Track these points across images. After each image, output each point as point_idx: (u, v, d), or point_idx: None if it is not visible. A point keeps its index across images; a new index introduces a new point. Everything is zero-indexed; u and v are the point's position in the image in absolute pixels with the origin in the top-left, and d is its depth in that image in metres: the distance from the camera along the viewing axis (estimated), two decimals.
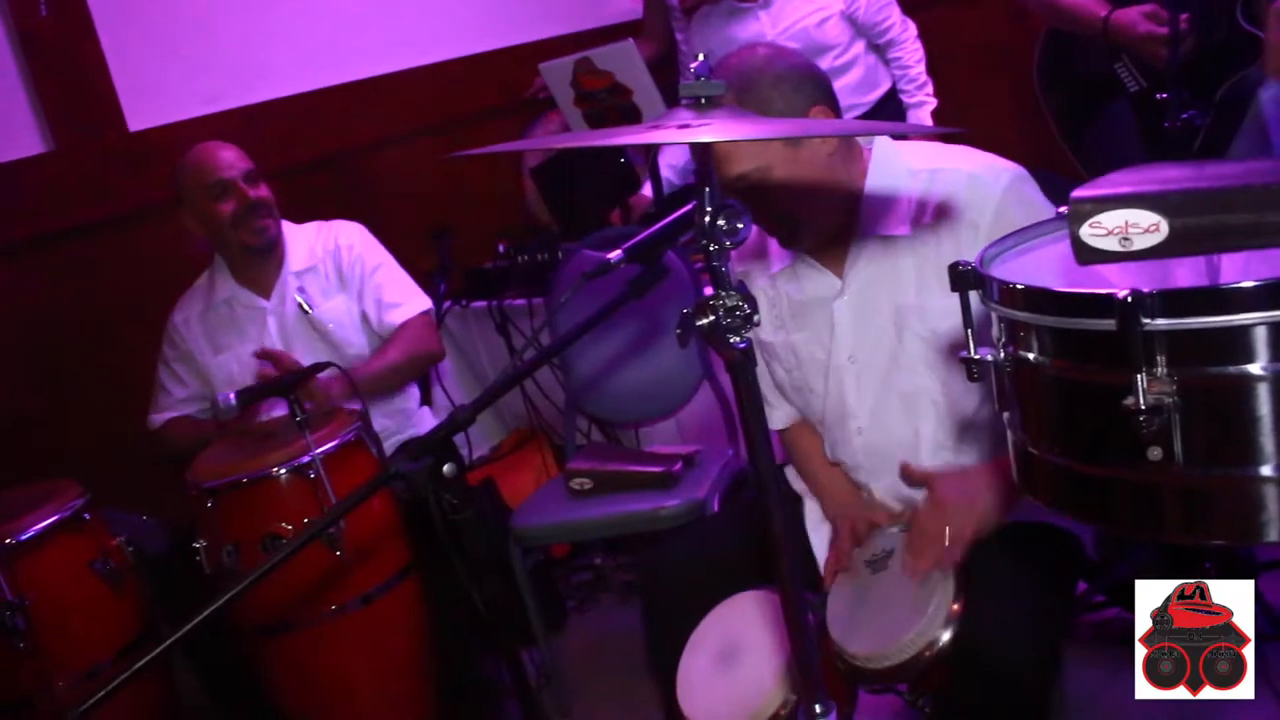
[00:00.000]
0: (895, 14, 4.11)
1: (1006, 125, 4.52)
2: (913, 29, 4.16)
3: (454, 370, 4.22)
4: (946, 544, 2.03)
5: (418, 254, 4.03)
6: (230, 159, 3.26)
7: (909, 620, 1.95)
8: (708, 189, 1.35)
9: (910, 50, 4.15)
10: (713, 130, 1.31)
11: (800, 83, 2.10)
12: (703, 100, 1.34)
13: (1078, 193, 1.08)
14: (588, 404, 3.70)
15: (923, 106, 4.19)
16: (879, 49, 4.16)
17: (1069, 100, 3.27)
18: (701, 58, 1.38)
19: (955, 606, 1.95)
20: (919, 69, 4.16)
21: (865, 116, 4.13)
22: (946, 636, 1.92)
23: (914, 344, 2.16)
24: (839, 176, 2.15)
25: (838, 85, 4.00)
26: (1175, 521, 1.13)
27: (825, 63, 3.96)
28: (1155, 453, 1.09)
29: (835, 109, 2.16)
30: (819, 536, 2.37)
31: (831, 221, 2.18)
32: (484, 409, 1.70)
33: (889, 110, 4.18)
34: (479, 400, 1.68)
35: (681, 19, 4.37)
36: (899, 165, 2.19)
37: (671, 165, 4.16)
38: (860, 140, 2.23)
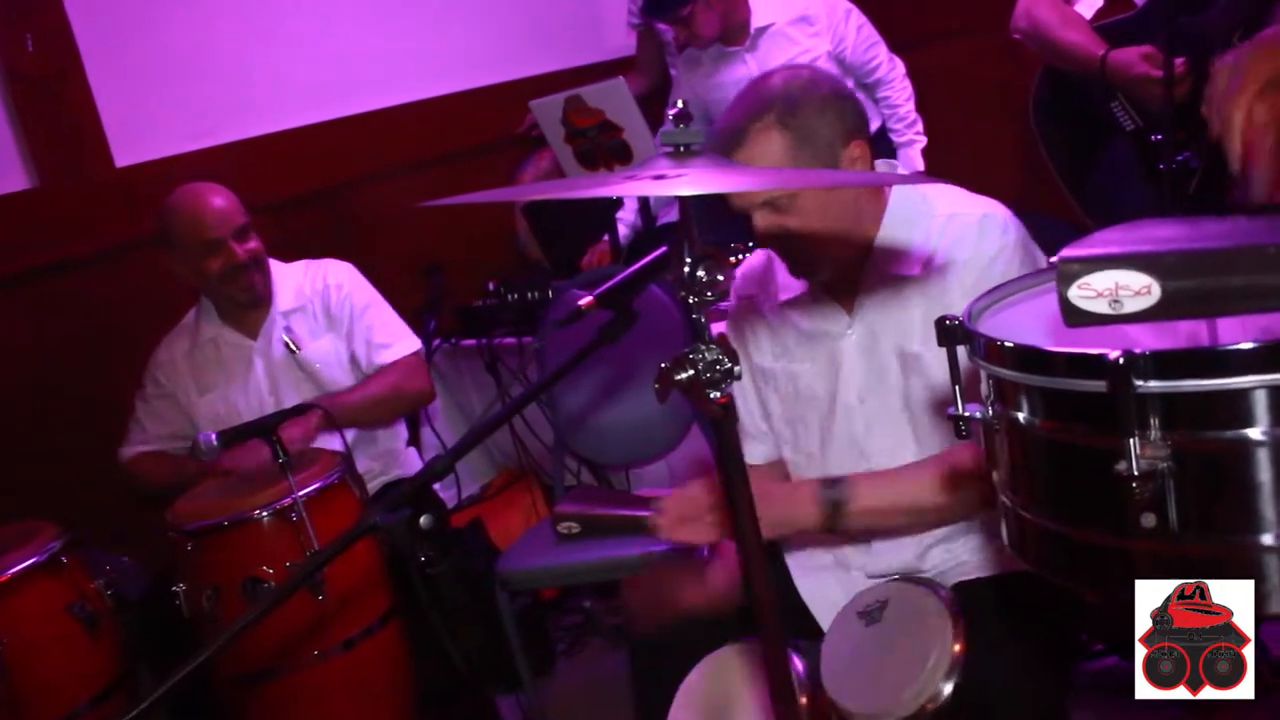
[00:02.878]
0: (883, 53, 4.12)
1: (1002, 165, 4.49)
2: (900, 67, 4.16)
3: (443, 409, 4.17)
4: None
5: (408, 291, 4.00)
6: (223, 213, 3.18)
7: (909, 674, 1.91)
8: (686, 241, 1.31)
9: (899, 89, 4.16)
10: (695, 180, 1.27)
11: (844, 111, 2.07)
12: (681, 149, 1.30)
13: (1066, 252, 1.03)
14: (577, 445, 3.65)
15: (913, 145, 4.19)
16: (867, 88, 4.16)
17: (1068, 139, 3.24)
18: (681, 104, 1.34)
19: (955, 656, 1.90)
20: (908, 107, 4.17)
21: None
22: (948, 689, 1.88)
23: (920, 392, 2.13)
24: (863, 212, 2.12)
25: None
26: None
27: None
28: (1149, 520, 1.05)
29: (870, 142, 2.13)
30: (809, 583, 2.32)
31: (849, 257, 2.15)
32: (461, 457, 1.66)
33: (879, 149, 4.15)
34: (456, 448, 1.65)
35: (677, 55, 4.36)
36: (918, 206, 2.15)
37: (634, 209, 4.18)
38: None
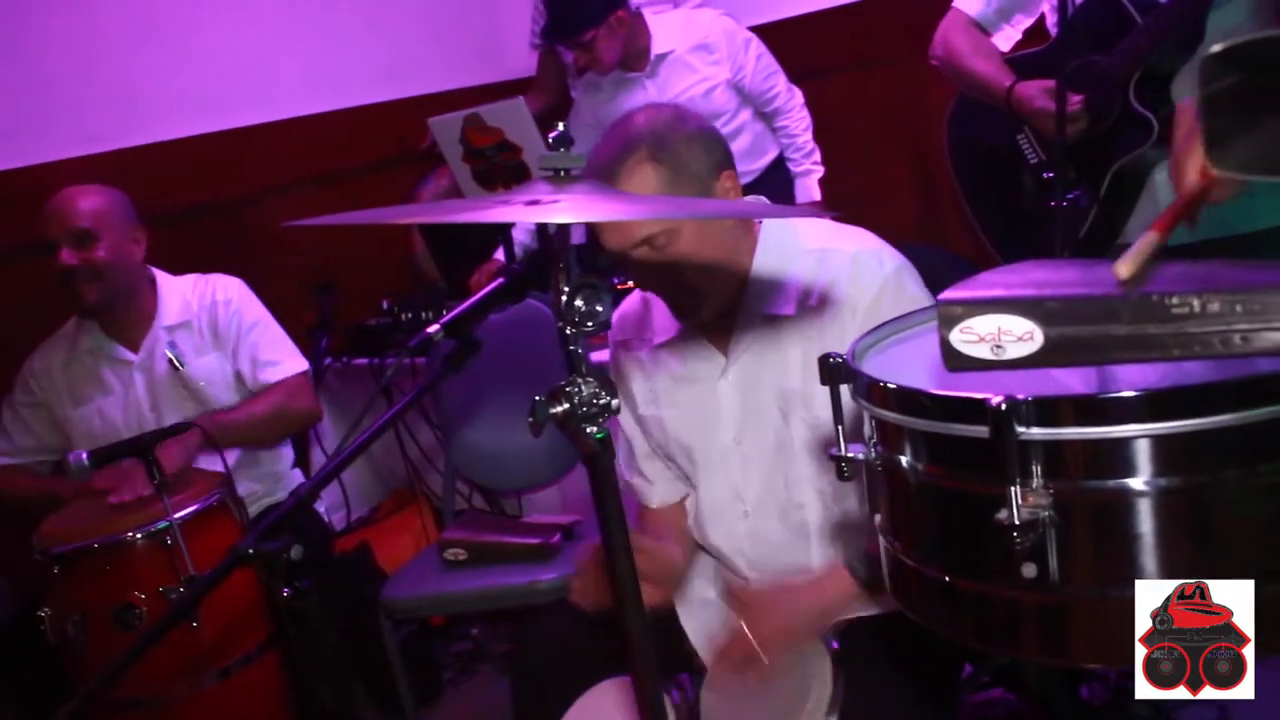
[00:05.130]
0: (781, 83, 4.13)
1: (900, 197, 4.53)
2: (799, 97, 4.18)
3: (333, 430, 4.08)
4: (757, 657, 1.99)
5: (300, 308, 3.91)
6: (68, 212, 3.02)
7: (789, 713, 1.89)
8: (563, 268, 1.27)
9: (797, 119, 4.17)
10: (574, 208, 1.23)
11: (710, 144, 2.05)
12: (561, 173, 1.26)
13: (947, 294, 1.01)
14: (468, 469, 3.60)
15: (810, 175, 4.20)
16: (766, 117, 4.17)
17: (979, 172, 3.25)
18: (561, 127, 1.30)
19: (835, 694, 1.89)
20: (806, 137, 4.19)
21: (753, 184, 4.12)
22: None
23: (800, 430, 2.09)
24: (738, 246, 2.09)
25: None
26: (1049, 644, 1.06)
27: None
28: (1029, 570, 1.03)
29: (736, 174, 2.10)
30: (693, 619, 2.28)
31: (726, 294, 2.10)
32: (326, 485, 1.61)
33: (777, 178, 4.18)
34: (319, 477, 1.61)
35: (577, 78, 4.34)
36: (789, 243, 2.12)
37: (528, 229, 4.11)
38: None
